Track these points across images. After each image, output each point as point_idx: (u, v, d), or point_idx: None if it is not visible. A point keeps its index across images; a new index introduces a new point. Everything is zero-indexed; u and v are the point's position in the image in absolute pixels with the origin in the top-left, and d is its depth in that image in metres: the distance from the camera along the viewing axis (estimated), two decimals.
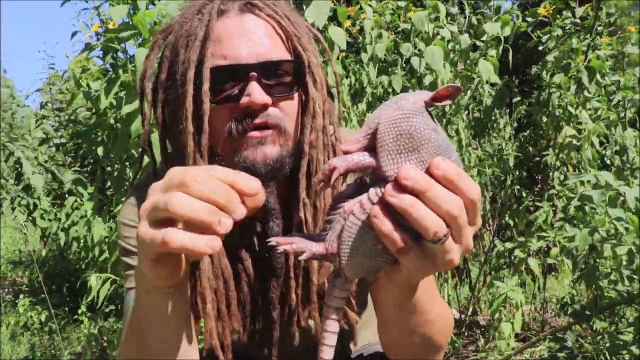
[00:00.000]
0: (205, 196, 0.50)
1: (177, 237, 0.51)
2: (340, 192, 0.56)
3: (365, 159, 0.53)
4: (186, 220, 0.51)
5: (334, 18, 2.18)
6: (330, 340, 0.59)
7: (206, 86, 0.76)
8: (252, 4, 0.80)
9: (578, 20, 2.48)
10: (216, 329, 0.81)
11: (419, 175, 0.49)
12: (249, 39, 0.78)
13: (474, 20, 2.61)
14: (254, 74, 0.76)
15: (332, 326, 0.59)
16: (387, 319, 0.69)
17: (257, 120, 0.77)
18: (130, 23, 1.53)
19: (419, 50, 2.44)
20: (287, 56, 0.80)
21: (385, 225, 0.51)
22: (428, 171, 0.50)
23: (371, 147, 0.52)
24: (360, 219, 0.53)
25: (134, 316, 0.71)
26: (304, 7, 1.60)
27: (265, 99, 0.76)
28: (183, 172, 0.52)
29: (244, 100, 0.76)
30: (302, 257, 0.55)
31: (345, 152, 0.53)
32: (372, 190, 0.53)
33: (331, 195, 0.85)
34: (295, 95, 0.81)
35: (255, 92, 0.76)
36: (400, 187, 0.50)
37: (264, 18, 0.80)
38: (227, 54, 0.77)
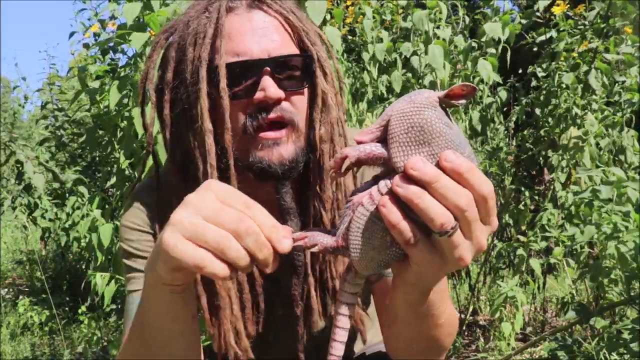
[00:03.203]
0: (243, 241, 0.52)
1: (213, 265, 0.51)
2: (356, 188, 0.57)
3: (377, 149, 0.53)
4: (218, 254, 0.51)
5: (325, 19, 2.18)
6: (340, 336, 0.59)
7: (223, 82, 0.75)
8: (260, 0, 0.81)
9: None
10: (232, 332, 0.81)
11: (427, 167, 0.49)
12: (260, 35, 0.78)
13: (467, 20, 2.62)
14: (267, 69, 0.76)
15: (343, 322, 0.59)
16: (398, 321, 0.69)
17: (272, 115, 0.77)
18: (142, 22, 1.53)
19: (418, 49, 2.45)
20: (296, 51, 0.81)
21: (393, 214, 0.50)
22: (438, 164, 0.50)
23: (384, 139, 0.53)
24: (369, 210, 0.53)
25: (140, 310, 0.70)
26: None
27: (279, 93, 0.77)
28: (232, 212, 0.52)
29: (259, 95, 0.76)
30: (314, 250, 0.56)
31: (359, 142, 0.54)
32: (381, 182, 0.53)
33: (349, 189, 0.86)
34: (305, 90, 0.82)
35: (270, 87, 0.76)
36: (408, 178, 0.50)
37: (272, 14, 0.80)
38: (239, 51, 0.77)
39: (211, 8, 0.80)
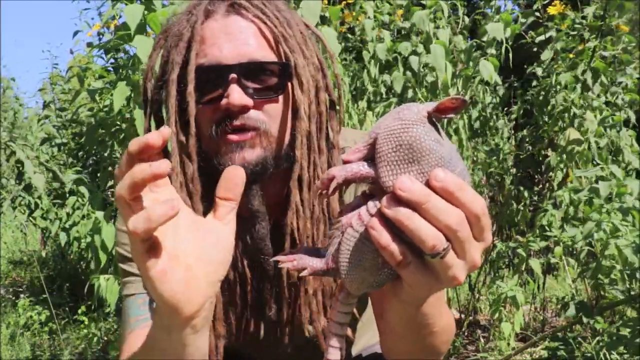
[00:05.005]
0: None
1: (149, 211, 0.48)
2: (345, 205, 0.56)
3: (364, 169, 0.51)
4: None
5: (324, 19, 2.18)
6: (333, 355, 0.58)
7: (191, 87, 0.75)
8: (239, 4, 0.80)
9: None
10: None
11: (415, 187, 0.47)
12: (232, 40, 0.77)
13: (467, 20, 2.62)
14: (234, 75, 0.75)
15: (335, 341, 0.58)
16: (393, 333, 0.68)
17: (236, 122, 0.76)
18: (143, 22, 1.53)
19: (417, 49, 2.44)
20: (272, 57, 0.79)
21: (382, 237, 0.49)
22: (428, 183, 0.48)
23: (372, 157, 0.51)
24: (358, 231, 0.51)
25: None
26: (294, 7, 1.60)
27: (245, 100, 0.75)
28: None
29: (223, 101, 0.76)
30: (304, 274, 0.55)
31: (346, 162, 0.52)
32: (370, 203, 0.52)
33: (331, 203, 0.84)
34: (281, 97, 0.80)
35: (234, 94, 0.75)
36: (397, 199, 0.48)
37: (250, 19, 0.79)
38: (208, 53, 0.77)
39: (194, 11, 0.80)
